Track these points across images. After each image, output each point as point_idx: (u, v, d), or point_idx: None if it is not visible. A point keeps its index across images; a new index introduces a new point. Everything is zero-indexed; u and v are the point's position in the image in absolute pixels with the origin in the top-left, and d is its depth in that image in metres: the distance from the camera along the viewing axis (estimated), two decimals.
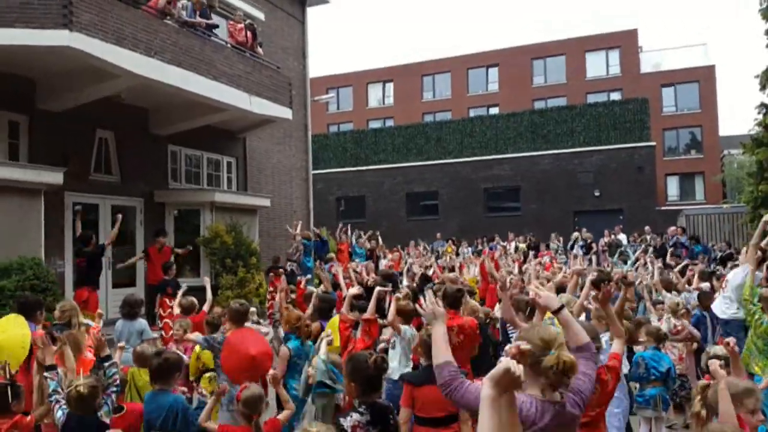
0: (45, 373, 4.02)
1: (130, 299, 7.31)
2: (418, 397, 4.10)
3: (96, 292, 9.91)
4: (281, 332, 5.89)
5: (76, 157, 11.44)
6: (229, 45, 12.99)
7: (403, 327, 5.61)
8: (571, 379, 2.55)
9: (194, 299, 7.80)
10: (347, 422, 3.36)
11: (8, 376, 4.09)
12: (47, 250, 10.00)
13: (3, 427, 3.71)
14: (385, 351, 5.55)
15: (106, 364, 4.32)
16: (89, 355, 4.90)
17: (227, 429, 4.00)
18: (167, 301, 9.78)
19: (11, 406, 3.81)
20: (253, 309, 7.60)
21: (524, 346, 2.28)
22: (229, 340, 4.97)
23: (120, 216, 10.68)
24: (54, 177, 10.09)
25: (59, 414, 3.83)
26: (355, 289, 6.15)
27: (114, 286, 12.11)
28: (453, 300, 5.52)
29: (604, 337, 4.94)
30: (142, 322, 7.16)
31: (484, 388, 1.89)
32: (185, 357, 5.60)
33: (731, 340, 3.98)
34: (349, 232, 18.35)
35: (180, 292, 7.88)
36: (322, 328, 6.08)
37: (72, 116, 11.20)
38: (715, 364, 3.40)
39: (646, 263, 14.71)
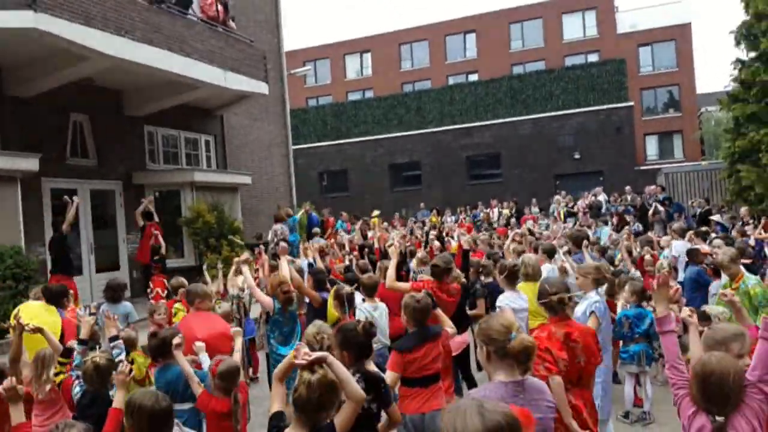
0: (111, 344, 4.25)
1: (113, 283, 7.28)
2: (409, 361, 4.19)
3: (68, 279, 9.08)
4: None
5: (50, 143, 11.26)
6: (200, 20, 12.76)
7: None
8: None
9: (184, 279, 7.79)
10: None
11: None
12: (27, 237, 9.91)
13: None
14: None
15: (111, 344, 4.38)
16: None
17: (209, 398, 4.03)
18: (162, 280, 9.77)
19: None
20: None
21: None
22: (179, 327, 4.97)
23: (75, 198, 9.79)
24: (29, 163, 9.94)
25: (77, 390, 3.87)
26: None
27: (97, 271, 12.05)
28: (437, 275, 5.75)
29: (593, 296, 5.07)
30: (127, 306, 7.16)
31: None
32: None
33: (728, 292, 4.13)
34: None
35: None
36: (324, 300, 6.14)
37: (44, 101, 10.98)
38: (685, 312, 3.53)
39: (628, 223, 14.94)
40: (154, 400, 3.00)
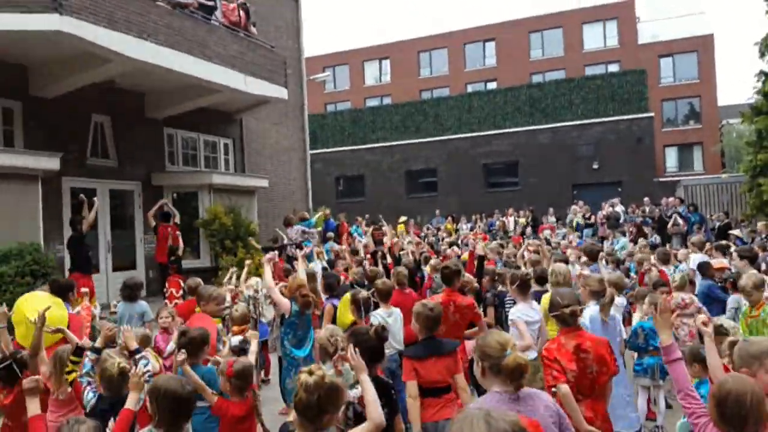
0: (137, 356, 4.15)
1: (130, 282, 7.36)
2: (419, 369, 4.18)
3: (86, 277, 9.38)
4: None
5: (72, 143, 11.44)
6: (222, 25, 12.90)
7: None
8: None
9: (200, 280, 7.84)
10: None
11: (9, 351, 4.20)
12: (46, 235, 10.05)
13: (15, 391, 3.82)
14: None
15: (138, 356, 4.33)
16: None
17: (224, 403, 4.03)
18: (177, 280, 9.89)
19: (21, 376, 3.95)
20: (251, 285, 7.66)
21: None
22: (191, 323, 5.16)
23: (94, 200, 10.20)
24: (51, 163, 10.10)
25: (90, 396, 3.87)
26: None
27: (114, 269, 12.18)
28: (447, 278, 5.61)
29: (590, 308, 5.01)
30: (143, 305, 7.23)
31: None
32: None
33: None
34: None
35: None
36: (334, 308, 6.17)
37: (66, 102, 11.16)
38: (699, 320, 3.47)
39: (646, 235, 14.81)
40: (179, 385, 3.09)
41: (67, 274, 10.09)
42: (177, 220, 11.92)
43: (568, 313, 3.97)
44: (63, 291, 6.12)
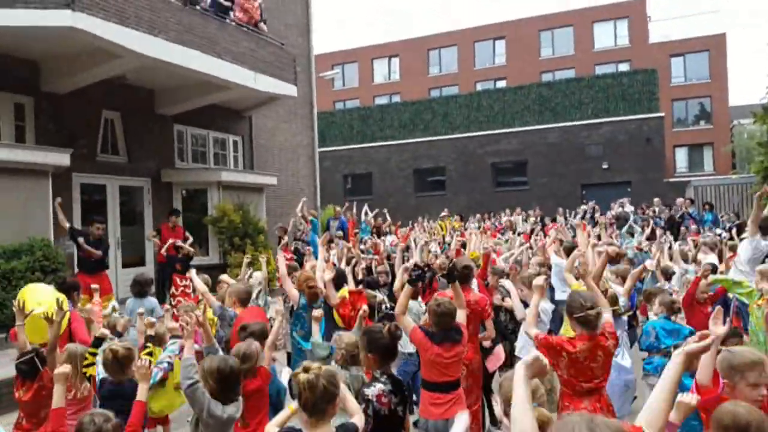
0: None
1: (140, 278, 7.41)
2: (428, 352, 4.21)
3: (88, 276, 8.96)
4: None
5: (82, 139, 11.48)
6: (232, 22, 12.90)
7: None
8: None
9: (208, 277, 7.85)
10: (371, 391, 3.51)
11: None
12: (56, 231, 10.09)
13: (35, 386, 3.87)
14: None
15: (171, 341, 4.71)
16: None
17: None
18: (177, 279, 9.89)
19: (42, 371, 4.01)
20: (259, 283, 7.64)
21: None
22: (241, 317, 5.29)
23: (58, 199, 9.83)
24: (61, 158, 10.14)
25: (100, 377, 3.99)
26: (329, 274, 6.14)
27: (124, 266, 12.23)
28: (461, 277, 5.57)
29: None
30: (152, 301, 7.27)
31: (518, 370, 2.25)
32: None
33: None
34: (355, 210, 18.34)
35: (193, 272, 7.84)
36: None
37: (77, 98, 11.21)
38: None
39: (657, 236, 14.67)
40: (223, 362, 3.45)
41: (77, 270, 10.07)
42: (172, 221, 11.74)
43: (594, 314, 3.89)
44: (68, 290, 6.11)
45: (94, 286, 6.66)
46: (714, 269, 7.62)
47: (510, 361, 6.13)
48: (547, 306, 5.81)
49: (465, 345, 4.42)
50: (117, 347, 3.82)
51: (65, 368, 3.44)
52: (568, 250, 7.70)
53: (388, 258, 10.74)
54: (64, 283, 6.40)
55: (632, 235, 14.24)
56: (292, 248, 12.95)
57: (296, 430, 2.89)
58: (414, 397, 5.90)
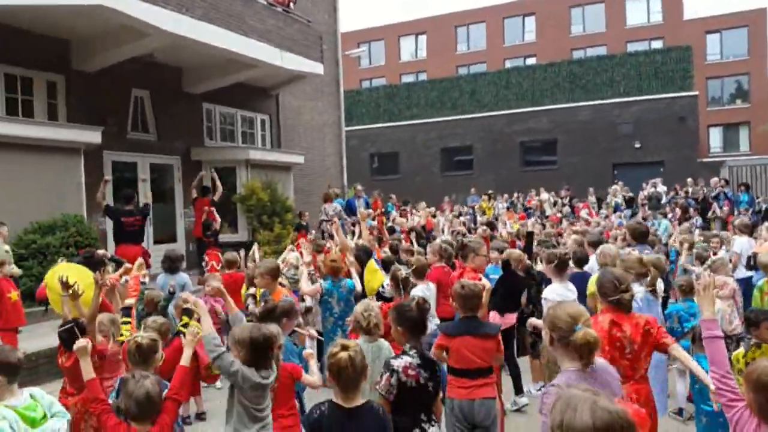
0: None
1: (171, 254, 7.50)
2: (452, 346, 4.16)
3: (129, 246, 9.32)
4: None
5: (113, 117, 11.60)
6: (264, 0, 12.82)
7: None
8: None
9: (236, 254, 7.93)
10: (398, 363, 3.51)
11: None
12: (89, 207, 10.25)
13: (73, 357, 3.91)
14: None
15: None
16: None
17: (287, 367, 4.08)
18: (216, 253, 10.02)
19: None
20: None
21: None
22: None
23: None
24: (93, 136, 10.27)
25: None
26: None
27: (155, 242, 12.40)
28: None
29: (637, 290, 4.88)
30: (183, 276, 7.36)
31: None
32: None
33: None
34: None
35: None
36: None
37: (107, 76, 11.30)
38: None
39: (690, 217, 14.40)
40: (252, 329, 3.53)
41: (112, 244, 10.25)
42: (218, 194, 11.94)
43: (629, 297, 3.78)
44: (93, 265, 6.19)
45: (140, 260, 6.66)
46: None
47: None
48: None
49: (495, 341, 4.30)
50: (141, 338, 3.68)
51: (82, 342, 3.49)
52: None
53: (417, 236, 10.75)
54: (90, 257, 6.51)
55: (665, 216, 13.99)
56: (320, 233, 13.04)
57: (332, 403, 2.98)
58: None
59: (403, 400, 3.46)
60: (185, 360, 3.52)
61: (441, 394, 3.80)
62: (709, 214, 15.26)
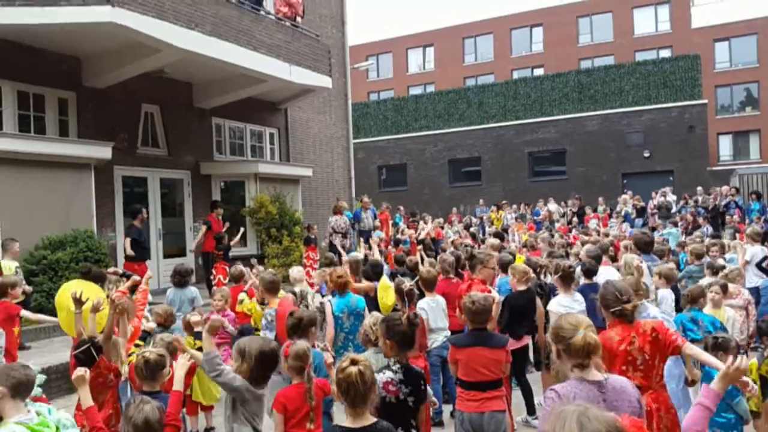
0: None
1: (180, 268, 7.51)
2: (461, 359, 4.17)
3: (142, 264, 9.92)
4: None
5: (123, 132, 11.71)
6: (267, 15, 12.95)
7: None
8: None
9: (243, 268, 7.96)
10: (379, 378, 3.46)
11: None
12: (99, 222, 10.34)
13: (92, 374, 3.90)
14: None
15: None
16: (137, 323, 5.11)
17: (284, 393, 3.98)
18: (224, 267, 10.11)
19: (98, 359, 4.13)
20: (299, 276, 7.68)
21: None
22: (279, 315, 5.35)
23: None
24: (103, 152, 10.37)
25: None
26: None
27: (165, 256, 12.46)
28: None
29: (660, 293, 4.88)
30: (192, 290, 7.37)
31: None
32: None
33: None
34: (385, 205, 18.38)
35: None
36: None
37: (118, 92, 11.43)
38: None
39: (699, 225, 14.30)
40: (262, 342, 3.55)
41: (122, 259, 10.38)
42: (234, 241, 11.96)
43: (631, 308, 3.74)
44: (95, 280, 6.28)
45: (149, 273, 6.70)
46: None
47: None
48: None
49: (504, 351, 4.30)
50: (149, 353, 3.69)
51: (81, 371, 3.47)
52: None
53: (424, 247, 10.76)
54: (90, 273, 6.58)
55: (675, 225, 13.91)
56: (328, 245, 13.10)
57: (340, 427, 2.91)
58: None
59: (381, 416, 3.39)
60: (178, 384, 3.47)
61: (428, 402, 3.75)
62: (727, 224, 15.12)
